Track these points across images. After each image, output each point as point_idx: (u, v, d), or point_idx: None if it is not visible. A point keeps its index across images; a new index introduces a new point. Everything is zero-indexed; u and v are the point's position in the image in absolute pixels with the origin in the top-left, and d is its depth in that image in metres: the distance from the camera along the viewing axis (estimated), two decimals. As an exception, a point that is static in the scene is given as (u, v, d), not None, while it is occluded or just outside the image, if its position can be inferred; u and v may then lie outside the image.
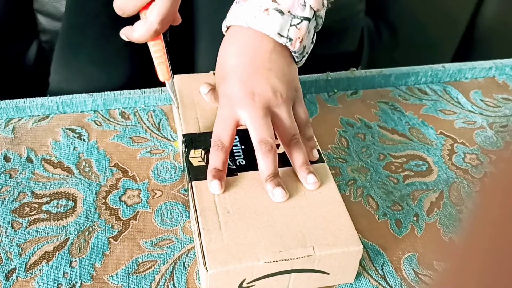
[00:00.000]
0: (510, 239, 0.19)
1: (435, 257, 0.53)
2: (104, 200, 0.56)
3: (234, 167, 0.54)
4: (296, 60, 0.58)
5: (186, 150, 0.55)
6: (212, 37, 0.76)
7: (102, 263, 0.50)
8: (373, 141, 0.66)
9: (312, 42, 0.58)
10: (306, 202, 0.51)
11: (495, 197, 0.20)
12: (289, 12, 0.54)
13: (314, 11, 0.55)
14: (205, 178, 0.52)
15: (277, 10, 0.53)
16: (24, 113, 0.65)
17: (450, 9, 1.18)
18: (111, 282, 0.49)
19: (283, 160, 0.54)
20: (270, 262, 0.45)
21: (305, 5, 0.54)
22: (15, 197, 0.55)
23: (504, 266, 0.19)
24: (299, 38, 0.55)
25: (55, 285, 0.48)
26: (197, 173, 0.53)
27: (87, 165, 0.59)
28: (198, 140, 0.56)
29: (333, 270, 0.48)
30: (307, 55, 0.59)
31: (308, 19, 0.55)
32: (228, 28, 0.58)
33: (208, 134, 0.56)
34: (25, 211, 0.54)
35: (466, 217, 0.21)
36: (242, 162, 0.54)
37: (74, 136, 0.63)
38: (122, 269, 0.50)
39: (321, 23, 0.58)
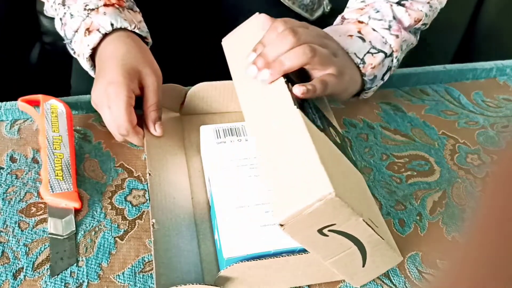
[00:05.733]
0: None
1: (438, 256, 0.54)
2: (109, 200, 0.56)
3: None
4: (365, 85, 0.62)
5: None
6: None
7: (108, 262, 0.51)
8: (375, 141, 0.67)
9: (383, 79, 0.63)
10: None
11: (497, 196, 0.21)
12: (370, 42, 0.61)
13: (392, 50, 0.62)
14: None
15: (360, 38, 0.61)
16: (29, 114, 0.65)
17: (449, 12, 1.19)
18: (118, 281, 0.49)
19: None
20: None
21: (386, 43, 0.61)
22: (21, 198, 0.55)
23: (506, 263, 0.19)
24: (371, 64, 0.60)
25: (63, 284, 0.48)
26: None
27: (92, 165, 0.60)
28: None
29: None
30: (375, 87, 0.64)
31: (385, 54, 0.61)
32: None
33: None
34: (32, 211, 0.54)
35: (468, 216, 0.21)
36: None
37: (79, 137, 0.63)
38: (129, 268, 0.50)
39: (397, 65, 0.64)
